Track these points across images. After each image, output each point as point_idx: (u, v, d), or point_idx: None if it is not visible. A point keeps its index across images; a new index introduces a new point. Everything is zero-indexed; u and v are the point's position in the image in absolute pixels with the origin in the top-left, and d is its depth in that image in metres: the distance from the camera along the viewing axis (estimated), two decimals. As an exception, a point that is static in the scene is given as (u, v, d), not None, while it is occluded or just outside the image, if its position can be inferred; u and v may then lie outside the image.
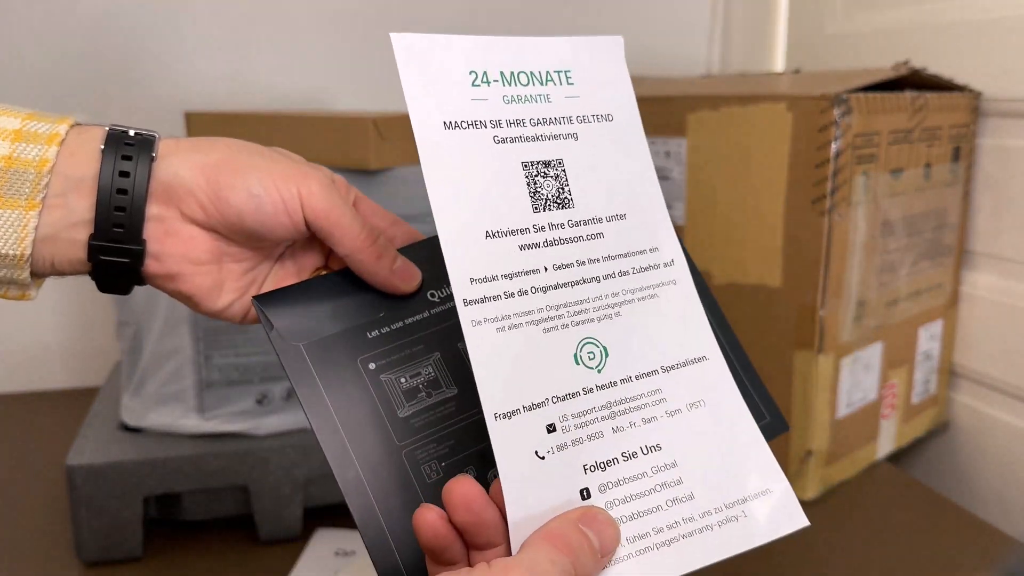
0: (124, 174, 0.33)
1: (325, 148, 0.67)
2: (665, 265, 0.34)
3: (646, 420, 0.32)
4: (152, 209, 0.34)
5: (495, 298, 0.32)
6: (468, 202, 0.32)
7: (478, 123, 0.33)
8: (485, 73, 0.33)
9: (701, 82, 0.84)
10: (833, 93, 0.64)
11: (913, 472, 0.88)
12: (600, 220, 0.33)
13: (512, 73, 0.34)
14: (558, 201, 0.33)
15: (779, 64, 1.11)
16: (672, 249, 0.34)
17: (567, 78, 0.34)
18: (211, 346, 0.63)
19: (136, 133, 0.34)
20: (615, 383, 0.32)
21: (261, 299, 0.36)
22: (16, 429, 0.85)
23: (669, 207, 0.77)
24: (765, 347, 0.72)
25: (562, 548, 0.29)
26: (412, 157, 0.70)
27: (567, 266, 0.33)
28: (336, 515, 0.68)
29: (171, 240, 0.35)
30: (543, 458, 0.31)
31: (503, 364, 0.31)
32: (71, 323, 0.96)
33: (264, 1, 0.95)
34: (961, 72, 0.80)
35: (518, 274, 0.32)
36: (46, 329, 0.96)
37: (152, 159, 0.34)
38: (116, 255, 0.34)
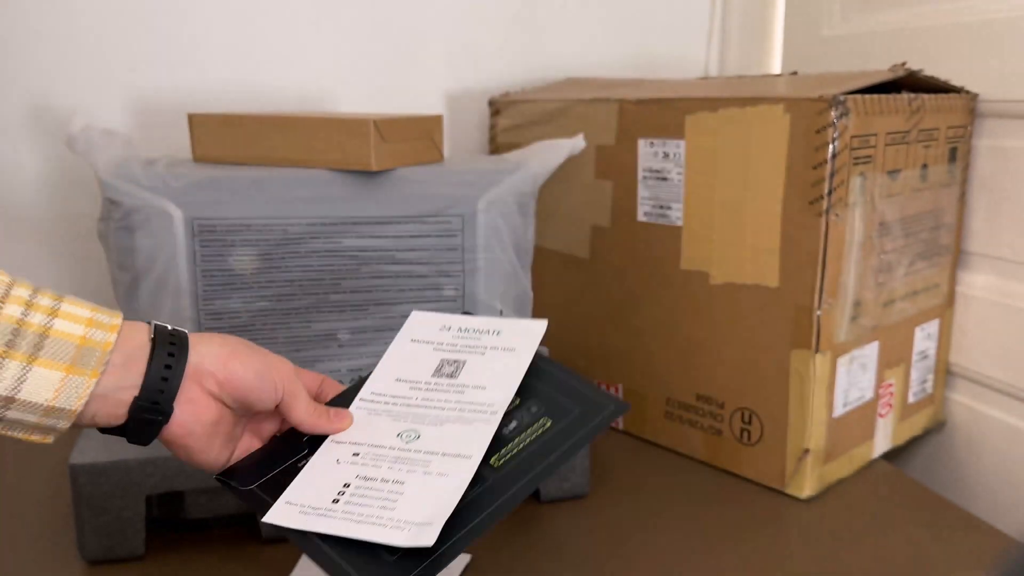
0: (168, 366, 0.45)
1: (325, 148, 0.67)
2: (490, 412, 0.51)
3: (409, 471, 0.48)
4: (185, 383, 0.46)
5: (377, 401, 0.53)
6: (399, 367, 0.55)
7: (431, 342, 0.57)
8: (450, 327, 0.58)
9: (699, 84, 0.84)
10: (830, 95, 0.65)
11: (909, 470, 0.89)
12: (467, 387, 0.53)
13: (464, 328, 0.58)
14: (450, 375, 0.54)
15: (776, 66, 1.12)
16: (500, 407, 0.52)
17: (497, 333, 0.57)
18: (213, 346, 0.63)
19: (173, 330, 0.47)
20: (409, 451, 0.50)
21: (223, 474, 0.50)
22: (18, 429, 0.86)
23: (668, 208, 0.78)
24: (762, 346, 0.72)
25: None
26: (412, 157, 0.71)
27: (428, 398, 0.53)
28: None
29: (191, 407, 0.47)
30: (338, 463, 0.49)
31: (356, 418, 0.52)
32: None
33: (265, 2, 0.96)
34: (958, 74, 0.80)
35: (398, 397, 0.53)
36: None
37: (187, 352, 0.47)
38: (151, 414, 0.46)
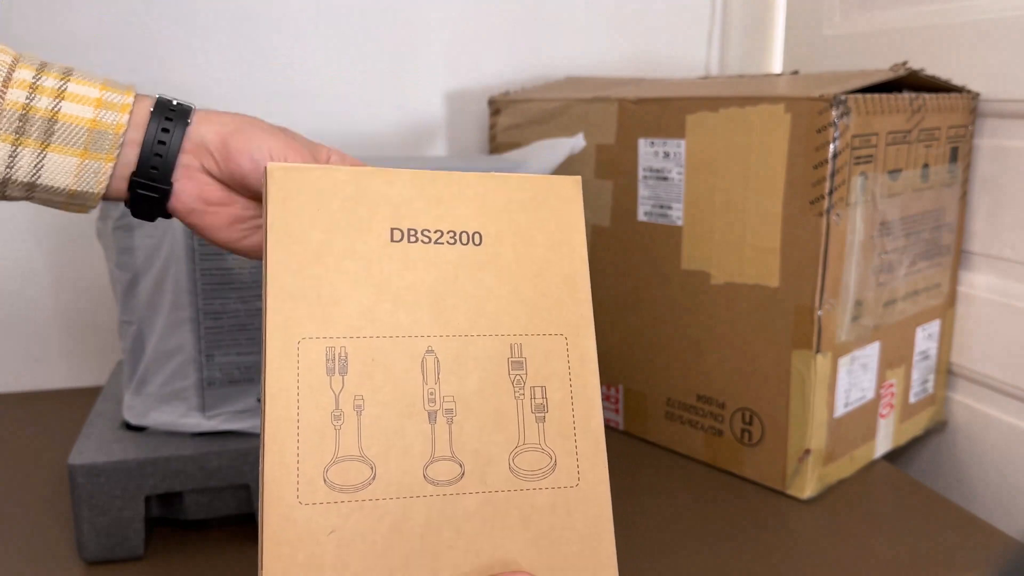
0: (162, 142, 0.44)
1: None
2: None
3: None
4: (183, 159, 0.45)
5: None
6: None
7: None
8: None
9: (700, 84, 0.84)
10: (831, 94, 0.65)
11: (911, 471, 0.89)
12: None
13: None
14: None
15: (777, 66, 1.12)
16: None
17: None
18: (213, 345, 0.63)
19: (177, 103, 0.45)
20: None
21: None
22: (19, 428, 0.86)
23: (668, 208, 0.78)
24: (763, 347, 0.72)
25: None
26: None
27: None
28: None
29: (191, 184, 0.45)
30: None
31: None
32: (74, 323, 0.97)
33: (264, 1, 0.96)
34: (959, 73, 0.80)
35: None
36: (49, 328, 0.96)
37: (187, 124, 0.45)
38: (149, 190, 0.45)
